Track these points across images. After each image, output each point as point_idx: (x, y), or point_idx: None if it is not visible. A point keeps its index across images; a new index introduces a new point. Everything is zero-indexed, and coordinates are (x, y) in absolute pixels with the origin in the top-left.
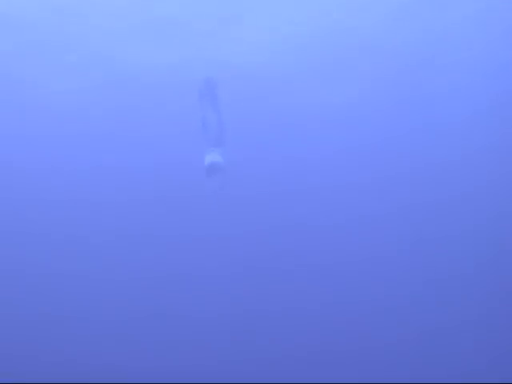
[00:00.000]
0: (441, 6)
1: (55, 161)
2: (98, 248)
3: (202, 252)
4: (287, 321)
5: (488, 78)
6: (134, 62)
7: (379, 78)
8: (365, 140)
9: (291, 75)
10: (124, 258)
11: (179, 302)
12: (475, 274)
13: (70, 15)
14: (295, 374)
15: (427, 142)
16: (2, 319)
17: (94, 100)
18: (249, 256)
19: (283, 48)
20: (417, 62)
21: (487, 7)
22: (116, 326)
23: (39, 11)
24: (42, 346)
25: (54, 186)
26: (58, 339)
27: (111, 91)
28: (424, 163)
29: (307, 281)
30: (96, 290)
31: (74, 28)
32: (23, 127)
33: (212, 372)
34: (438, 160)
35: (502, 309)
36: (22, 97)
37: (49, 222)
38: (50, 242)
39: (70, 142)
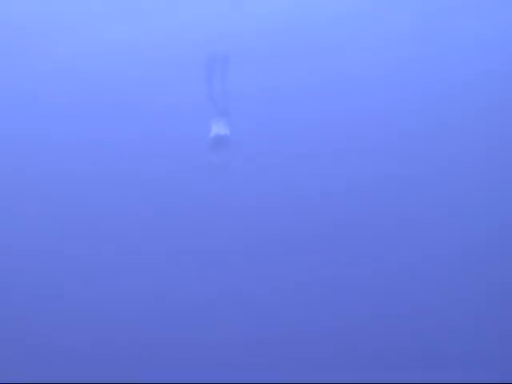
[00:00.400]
0: None
1: (57, 124)
2: (96, 218)
3: (207, 225)
4: (293, 307)
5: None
6: (139, 27)
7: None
8: (376, 106)
9: (301, 42)
10: (120, 234)
11: (178, 280)
12: (475, 270)
13: None
14: (296, 373)
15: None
16: (2, 319)
17: (99, 67)
18: (255, 231)
19: (293, 15)
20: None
21: None
22: (116, 320)
23: None
24: (42, 345)
25: (51, 156)
26: (58, 338)
27: (117, 58)
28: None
29: (314, 258)
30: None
31: None
32: (30, 91)
33: (212, 370)
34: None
35: (503, 307)
36: (34, 61)
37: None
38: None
39: (72, 108)
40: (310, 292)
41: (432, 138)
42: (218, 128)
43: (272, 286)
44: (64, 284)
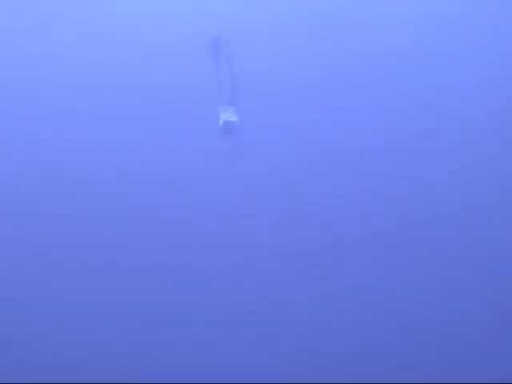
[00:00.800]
0: None
1: (56, 112)
2: (108, 207)
3: (216, 213)
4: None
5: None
6: (143, 14)
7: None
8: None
9: (310, 30)
10: (132, 221)
11: (184, 266)
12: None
13: None
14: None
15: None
16: (2, 320)
17: (103, 54)
18: (264, 217)
19: (298, 8)
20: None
21: None
22: (115, 318)
23: None
24: (42, 345)
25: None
26: (57, 338)
27: (120, 45)
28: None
29: (322, 247)
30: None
31: None
32: (23, 80)
33: (212, 369)
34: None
35: (503, 308)
36: (27, 48)
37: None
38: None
39: (73, 103)
40: (312, 285)
41: (433, 137)
42: (227, 115)
43: (276, 283)
44: (65, 285)
